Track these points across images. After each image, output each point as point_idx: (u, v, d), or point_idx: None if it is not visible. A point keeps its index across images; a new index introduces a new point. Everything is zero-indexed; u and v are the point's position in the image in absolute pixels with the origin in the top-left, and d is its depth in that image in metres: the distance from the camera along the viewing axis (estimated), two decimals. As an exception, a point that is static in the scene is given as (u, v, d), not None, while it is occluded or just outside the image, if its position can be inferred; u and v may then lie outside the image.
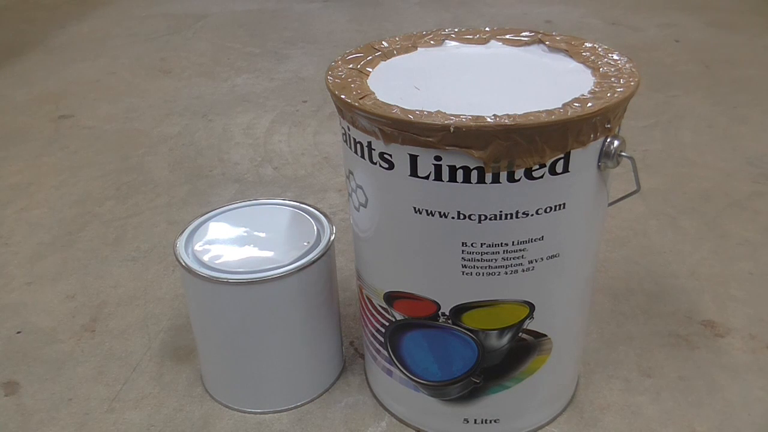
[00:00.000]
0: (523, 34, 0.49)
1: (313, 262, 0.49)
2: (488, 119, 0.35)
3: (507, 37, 0.49)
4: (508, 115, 0.36)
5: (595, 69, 0.42)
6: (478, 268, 0.41)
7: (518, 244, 0.40)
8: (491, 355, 0.45)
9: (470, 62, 0.46)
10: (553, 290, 0.43)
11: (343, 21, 1.65)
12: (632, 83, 0.39)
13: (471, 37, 0.49)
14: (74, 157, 1.00)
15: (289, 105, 1.15)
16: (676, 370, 0.56)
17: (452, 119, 0.36)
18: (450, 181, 0.38)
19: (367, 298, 0.49)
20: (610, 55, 0.44)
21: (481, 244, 0.40)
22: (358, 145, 0.41)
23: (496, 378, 0.47)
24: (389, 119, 0.37)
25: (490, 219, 0.39)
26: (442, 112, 0.36)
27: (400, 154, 0.38)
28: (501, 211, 0.39)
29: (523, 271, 0.41)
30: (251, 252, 0.50)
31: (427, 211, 0.40)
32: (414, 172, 0.39)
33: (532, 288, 0.43)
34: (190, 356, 0.60)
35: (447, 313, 0.44)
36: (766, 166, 0.89)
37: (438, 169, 0.38)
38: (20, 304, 0.68)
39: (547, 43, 0.47)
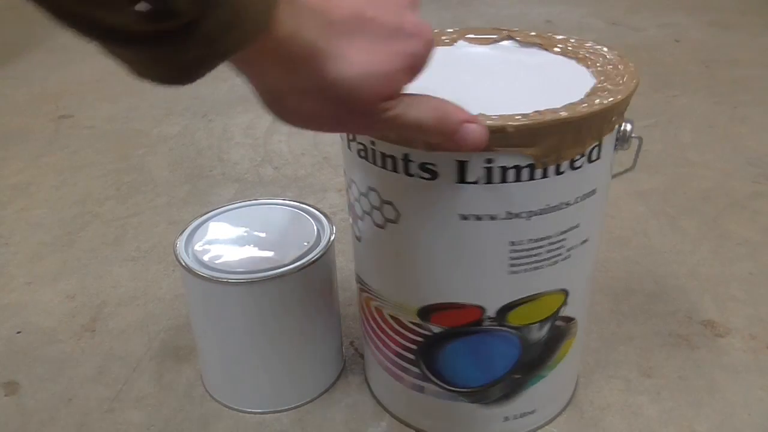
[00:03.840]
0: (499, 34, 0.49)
1: (313, 262, 0.49)
2: (541, 115, 0.36)
3: (472, 36, 0.49)
4: (552, 110, 0.36)
5: (587, 64, 0.44)
6: (524, 264, 0.41)
7: (560, 234, 0.41)
8: (532, 348, 0.46)
9: (469, 62, 0.46)
10: (583, 274, 0.45)
11: (343, 21, 1.64)
12: (631, 69, 0.41)
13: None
14: (74, 157, 1.00)
15: (289, 105, 1.15)
16: (676, 370, 0.56)
17: (498, 119, 0.35)
18: (501, 182, 0.38)
19: (390, 317, 0.47)
20: (598, 51, 0.45)
21: (528, 240, 0.40)
22: (389, 160, 0.39)
23: (534, 369, 0.47)
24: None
25: (538, 214, 0.39)
26: (484, 113, 0.36)
27: (446, 162, 0.37)
28: (548, 205, 0.39)
29: (563, 260, 0.42)
30: (251, 252, 0.50)
31: (475, 216, 0.39)
32: (462, 179, 0.38)
33: (568, 275, 0.43)
34: (190, 356, 0.60)
35: (493, 315, 0.43)
36: (766, 166, 0.89)
37: (489, 172, 0.37)
38: (20, 304, 0.68)
39: (518, 38, 0.48)
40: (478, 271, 0.41)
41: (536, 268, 0.42)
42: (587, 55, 0.45)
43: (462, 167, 0.37)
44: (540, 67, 0.44)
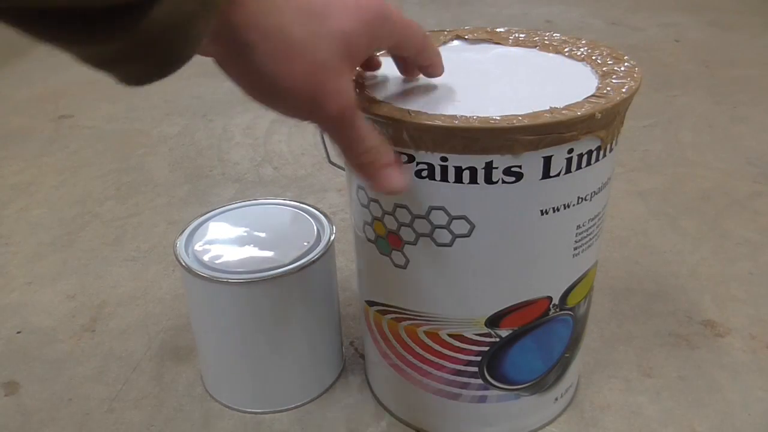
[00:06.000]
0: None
1: (313, 262, 0.49)
2: (612, 98, 0.37)
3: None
4: (606, 95, 0.37)
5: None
6: (584, 245, 0.42)
7: (603, 208, 0.43)
8: (578, 324, 0.48)
9: (467, 64, 0.46)
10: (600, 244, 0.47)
11: (343, 21, 1.64)
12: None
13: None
14: (74, 157, 1.00)
15: (289, 105, 1.15)
16: (676, 370, 0.56)
17: (587, 107, 0.36)
18: (577, 169, 0.38)
19: (450, 336, 0.45)
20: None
21: (589, 219, 0.41)
22: (466, 172, 0.37)
23: (578, 343, 0.49)
24: (540, 126, 0.35)
25: (597, 193, 0.41)
26: (554, 107, 0.36)
27: (533, 161, 0.37)
28: (603, 183, 0.41)
29: (599, 233, 0.44)
30: (251, 252, 0.50)
31: (553, 208, 0.39)
32: (546, 174, 0.37)
33: (599, 246, 0.45)
34: (190, 356, 0.60)
35: (557, 303, 0.44)
36: (766, 166, 0.89)
37: (569, 162, 0.38)
38: (20, 304, 0.68)
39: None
40: (549, 262, 0.42)
41: (589, 246, 0.43)
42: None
43: (547, 162, 0.37)
44: (537, 65, 0.45)
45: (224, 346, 0.52)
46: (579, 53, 0.45)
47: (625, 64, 0.42)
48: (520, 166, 0.37)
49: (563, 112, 0.36)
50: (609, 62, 0.43)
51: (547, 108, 0.36)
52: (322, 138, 0.48)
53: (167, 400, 0.55)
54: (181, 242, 0.51)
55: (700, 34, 1.44)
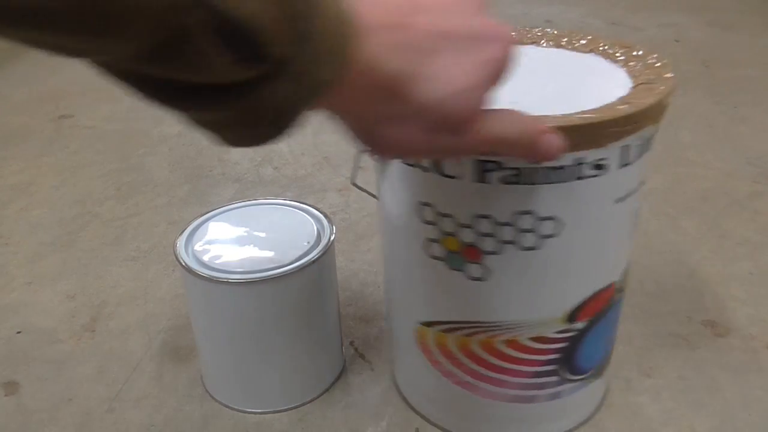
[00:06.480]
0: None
1: (313, 262, 0.49)
2: (661, 92, 0.39)
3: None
4: (653, 82, 0.40)
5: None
6: (633, 228, 0.44)
7: None
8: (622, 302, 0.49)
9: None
10: None
11: (343, 21, 1.64)
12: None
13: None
14: (74, 157, 1.00)
15: (289, 105, 1.15)
16: (676, 370, 0.56)
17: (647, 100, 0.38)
18: (641, 156, 0.40)
19: (530, 340, 0.44)
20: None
21: (639, 204, 0.43)
22: (557, 172, 0.37)
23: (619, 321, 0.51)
24: (626, 117, 0.36)
25: (644, 181, 0.43)
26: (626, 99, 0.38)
27: (614, 152, 0.38)
28: (646, 170, 0.43)
29: None
30: (251, 252, 0.50)
31: (628, 195, 0.41)
32: (623, 163, 0.39)
33: None
34: (190, 356, 0.60)
35: (619, 286, 0.46)
36: (766, 166, 0.89)
37: (640, 148, 0.39)
38: (20, 304, 0.68)
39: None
40: (619, 247, 0.43)
41: (635, 229, 0.44)
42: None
43: (625, 152, 0.38)
44: (568, 65, 0.45)
45: (224, 346, 0.52)
46: (607, 51, 0.46)
47: (638, 52, 0.44)
48: (606, 159, 0.38)
49: (638, 102, 0.37)
50: (626, 54, 0.45)
51: (618, 100, 0.38)
52: (355, 158, 0.48)
53: (167, 400, 0.55)
54: (181, 242, 0.51)
55: (700, 34, 1.44)
